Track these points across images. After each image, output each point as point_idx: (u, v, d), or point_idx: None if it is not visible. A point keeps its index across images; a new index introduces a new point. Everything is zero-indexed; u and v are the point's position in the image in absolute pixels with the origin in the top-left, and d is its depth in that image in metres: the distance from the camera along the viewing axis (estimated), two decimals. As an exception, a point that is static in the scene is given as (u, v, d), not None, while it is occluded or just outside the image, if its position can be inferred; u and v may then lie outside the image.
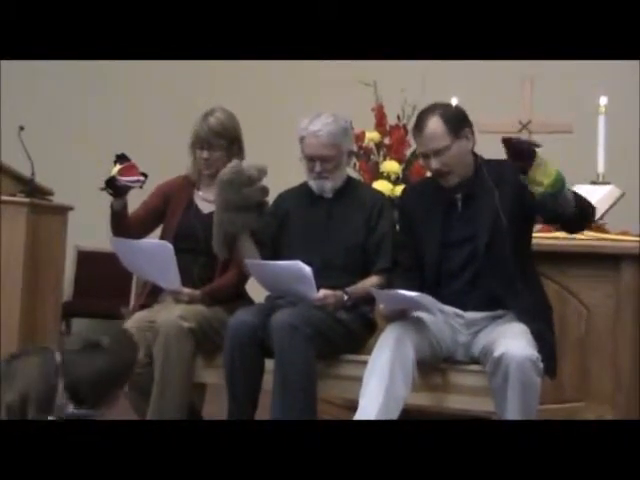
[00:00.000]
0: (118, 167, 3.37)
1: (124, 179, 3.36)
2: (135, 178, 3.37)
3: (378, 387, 3.01)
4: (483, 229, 3.21)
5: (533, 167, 2.89)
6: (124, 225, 3.56)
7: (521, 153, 2.91)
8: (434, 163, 3.24)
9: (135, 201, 3.75)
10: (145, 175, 3.40)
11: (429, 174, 3.42)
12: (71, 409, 2.18)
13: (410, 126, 4.67)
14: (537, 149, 2.90)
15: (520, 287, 3.17)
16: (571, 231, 3.32)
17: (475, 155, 3.31)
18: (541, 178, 2.90)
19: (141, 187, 3.42)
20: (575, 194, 3.04)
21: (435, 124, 3.22)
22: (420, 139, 3.28)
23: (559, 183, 2.91)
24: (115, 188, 3.39)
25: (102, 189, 3.40)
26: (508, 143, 2.92)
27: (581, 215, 3.07)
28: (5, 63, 6.52)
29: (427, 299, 3.10)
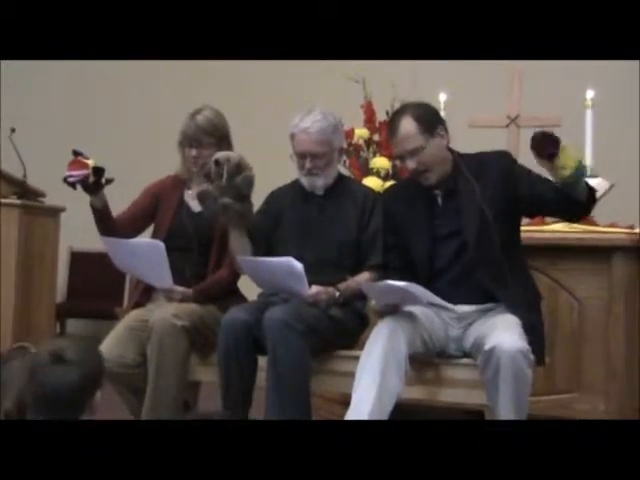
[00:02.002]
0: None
1: (67, 173, 3.39)
2: (78, 172, 3.38)
3: (371, 381, 3.01)
4: (468, 223, 3.23)
5: (560, 152, 2.94)
6: (109, 225, 3.56)
7: (550, 142, 2.95)
8: (410, 163, 3.26)
9: (127, 202, 3.75)
10: (97, 169, 3.40)
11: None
12: None
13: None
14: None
15: (509, 278, 3.18)
16: (571, 219, 3.34)
17: (451, 151, 3.33)
18: (568, 162, 2.95)
19: (99, 180, 3.41)
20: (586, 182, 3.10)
21: (407, 125, 3.24)
22: (394, 141, 3.31)
23: (582, 167, 3.00)
24: (67, 183, 3.41)
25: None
26: (537, 138, 2.97)
27: (587, 204, 3.12)
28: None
29: (416, 288, 3.10)
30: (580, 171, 3.00)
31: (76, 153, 3.41)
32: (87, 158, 3.40)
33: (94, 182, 3.40)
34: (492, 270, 3.19)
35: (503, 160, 3.29)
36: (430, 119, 3.27)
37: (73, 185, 3.40)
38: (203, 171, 3.46)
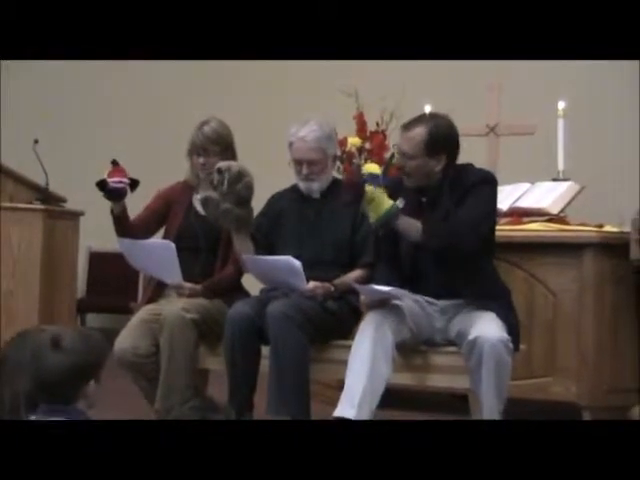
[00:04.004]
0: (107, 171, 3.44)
1: (109, 180, 3.39)
2: (118, 179, 3.39)
3: (362, 368, 3.04)
4: None
5: (365, 202, 3.06)
6: (126, 228, 3.58)
7: (353, 193, 3.14)
8: (401, 160, 3.25)
9: (140, 205, 3.75)
10: (134, 180, 3.43)
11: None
12: (44, 407, 2.11)
13: (389, 132, 4.70)
14: (368, 187, 3.06)
15: (479, 279, 3.20)
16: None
17: (447, 167, 3.23)
18: (371, 212, 3.08)
19: (132, 191, 3.45)
20: (430, 229, 3.12)
21: (418, 134, 3.18)
22: (401, 136, 3.27)
23: (383, 219, 3.08)
24: (103, 189, 3.40)
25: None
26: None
27: (439, 244, 3.13)
28: (16, 75, 6.48)
29: (400, 292, 3.15)
30: (381, 223, 3.09)
31: (115, 163, 3.41)
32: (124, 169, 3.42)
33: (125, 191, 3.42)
34: (463, 272, 3.19)
35: (475, 176, 3.23)
36: (440, 142, 3.18)
37: (109, 191, 3.40)
38: (209, 178, 3.46)
